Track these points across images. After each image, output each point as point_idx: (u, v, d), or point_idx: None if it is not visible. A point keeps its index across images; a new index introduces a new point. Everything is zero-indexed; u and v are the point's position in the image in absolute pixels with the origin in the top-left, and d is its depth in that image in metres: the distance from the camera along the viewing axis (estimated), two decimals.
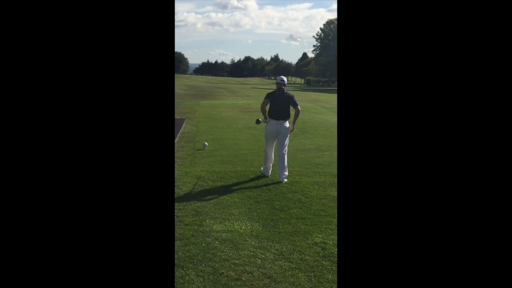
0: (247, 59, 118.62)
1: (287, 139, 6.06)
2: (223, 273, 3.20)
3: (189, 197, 5.14)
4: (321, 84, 68.01)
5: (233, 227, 4.16)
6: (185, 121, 12.28)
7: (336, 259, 3.45)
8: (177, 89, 23.94)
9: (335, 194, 5.28)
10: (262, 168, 6.28)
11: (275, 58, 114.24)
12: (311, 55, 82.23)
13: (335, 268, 3.31)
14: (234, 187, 5.60)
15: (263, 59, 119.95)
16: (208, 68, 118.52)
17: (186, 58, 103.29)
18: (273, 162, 6.21)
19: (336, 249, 3.64)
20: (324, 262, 3.43)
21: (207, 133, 10.13)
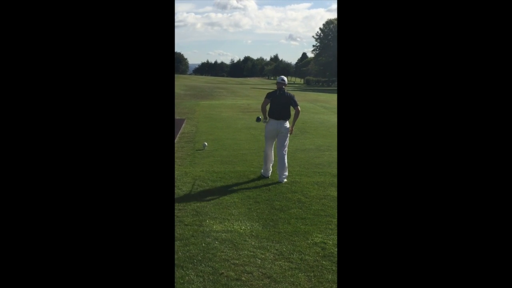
0: (247, 59, 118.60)
1: (287, 139, 6.05)
2: (223, 273, 3.20)
3: (189, 197, 5.14)
4: (320, 84, 68.02)
5: (233, 227, 4.16)
6: (185, 121, 12.28)
7: (336, 259, 3.45)
8: (176, 89, 23.93)
9: (335, 194, 5.28)
10: (262, 169, 6.27)
11: (275, 58, 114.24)
12: (310, 55, 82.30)
13: (335, 268, 3.31)
14: (234, 187, 5.60)
15: (262, 59, 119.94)
16: (208, 68, 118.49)
17: (186, 58, 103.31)
18: (273, 162, 6.20)
19: (336, 249, 3.64)
20: (324, 262, 3.43)
21: (207, 133, 10.13)
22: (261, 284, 3.07)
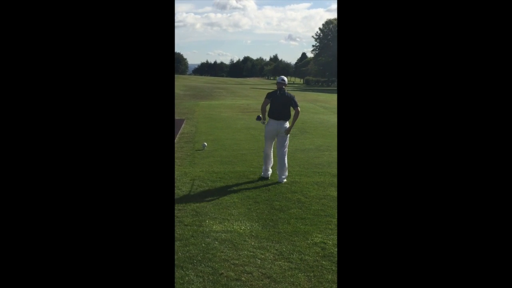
0: (246, 59, 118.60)
1: (287, 139, 6.04)
2: (222, 273, 3.20)
3: (189, 197, 5.14)
4: (320, 84, 68.05)
5: (233, 228, 4.16)
6: (184, 121, 12.28)
7: (335, 259, 3.45)
8: (176, 90, 23.92)
9: (335, 194, 5.28)
10: (262, 170, 6.25)
11: (274, 58, 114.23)
12: (310, 55, 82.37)
13: (334, 268, 3.31)
14: (234, 188, 5.60)
15: (262, 59, 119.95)
16: (207, 69, 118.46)
17: (185, 59, 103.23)
18: (272, 163, 6.18)
19: (335, 249, 3.64)
20: (323, 262, 3.43)
21: (207, 134, 10.13)
22: (261, 284, 3.07)
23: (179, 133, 10.15)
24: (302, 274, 3.24)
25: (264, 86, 46.26)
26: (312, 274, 3.23)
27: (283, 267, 3.33)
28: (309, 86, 64.66)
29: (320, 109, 17.76)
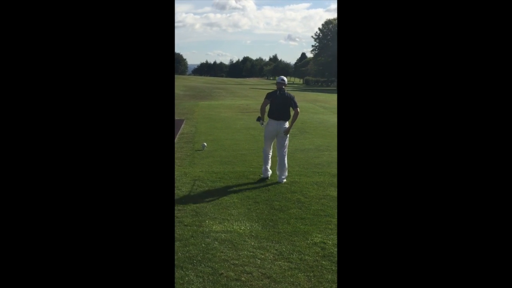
0: (246, 59, 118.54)
1: (287, 139, 6.04)
2: (222, 273, 3.20)
3: (188, 197, 5.14)
4: (319, 84, 68.05)
5: (233, 228, 4.16)
6: (184, 121, 12.28)
7: (335, 258, 3.45)
8: (175, 90, 23.91)
9: (334, 194, 5.28)
10: (262, 170, 6.25)
11: (274, 59, 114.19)
12: (309, 55, 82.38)
13: (334, 268, 3.31)
14: (233, 188, 5.60)
15: (261, 59, 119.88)
16: (207, 69, 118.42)
17: (185, 59, 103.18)
18: (270, 164, 6.16)
19: (335, 249, 3.64)
20: (323, 262, 3.44)
21: (206, 134, 10.13)
22: (260, 284, 3.07)
23: (178, 133, 10.15)
24: (302, 274, 3.24)
25: (264, 86, 46.26)
26: (312, 274, 3.23)
27: (283, 267, 3.33)
28: (308, 86, 64.68)
29: (319, 109, 17.76)
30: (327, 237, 3.94)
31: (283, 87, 6.05)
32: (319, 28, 70.65)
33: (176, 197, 5.10)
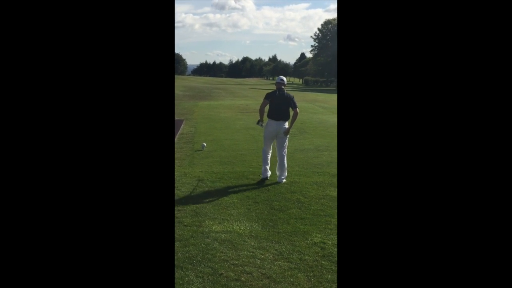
0: (245, 59, 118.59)
1: (287, 139, 6.04)
2: (222, 273, 3.20)
3: (188, 198, 5.14)
4: (319, 84, 68.06)
5: (232, 228, 4.16)
6: (184, 122, 12.28)
7: (335, 258, 3.46)
8: (175, 90, 23.90)
9: (334, 194, 5.28)
10: (262, 171, 6.24)
11: (273, 59, 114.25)
12: (309, 55, 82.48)
13: (334, 268, 3.31)
14: (233, 188, 5.60)
15: (261, 59, 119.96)
16: (206, 69, 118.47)
17: (184, 59, 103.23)
18: (269, 165, 6.15)
19: (335, 249, 3.65)
20: (323, 262, 3.44)
21: (206, 134, 10.13)
22: (260, 285, 3.07)
23: (178, 133, 10.15)
24: (302, 274, 3.24)
25: (263, 86, 46.27)
26: (311, 274, 3.23)
27: (283, 267, 3.34)
28: (308, 86, 64.70)
29: (319, 109, 17.77)
30: (327, 237, 3.95)
31: (283, 87, 6.04)
32: (318, 28, 70.68)
33: (176, 197, 5.10)
